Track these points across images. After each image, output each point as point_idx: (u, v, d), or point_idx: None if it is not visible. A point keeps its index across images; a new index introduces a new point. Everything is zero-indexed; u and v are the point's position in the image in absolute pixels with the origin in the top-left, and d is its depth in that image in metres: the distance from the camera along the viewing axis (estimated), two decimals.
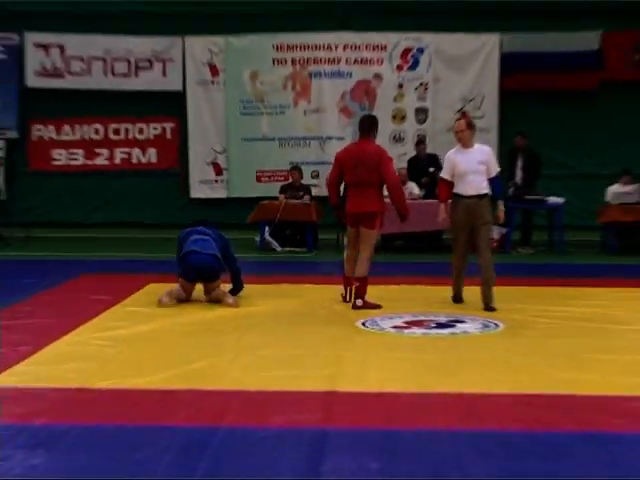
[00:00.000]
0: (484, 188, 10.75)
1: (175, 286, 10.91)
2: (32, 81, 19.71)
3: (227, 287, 11.19)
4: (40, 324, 9.51)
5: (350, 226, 11.12)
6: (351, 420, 6.37)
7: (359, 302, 10.61)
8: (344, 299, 11.02)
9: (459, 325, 9.79)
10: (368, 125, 11.04)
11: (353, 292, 10.76)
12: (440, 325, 9.78)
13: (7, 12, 19.27)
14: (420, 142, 18.13)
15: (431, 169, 16.97)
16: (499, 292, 11.76)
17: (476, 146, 10.91)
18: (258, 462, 5.53)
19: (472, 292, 11.52)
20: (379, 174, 10.67)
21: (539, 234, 17.26)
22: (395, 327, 9.66)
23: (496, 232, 16.57)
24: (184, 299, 10.83)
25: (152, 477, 5.26)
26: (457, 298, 11.14)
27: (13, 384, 7.27)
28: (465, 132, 10.78)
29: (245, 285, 11.28)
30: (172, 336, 9.21)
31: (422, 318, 10.03)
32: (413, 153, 18.36)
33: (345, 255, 11.25)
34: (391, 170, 10.85)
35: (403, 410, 6.70)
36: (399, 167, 17.60)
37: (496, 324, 9.83)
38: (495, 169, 10.90)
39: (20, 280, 12.16)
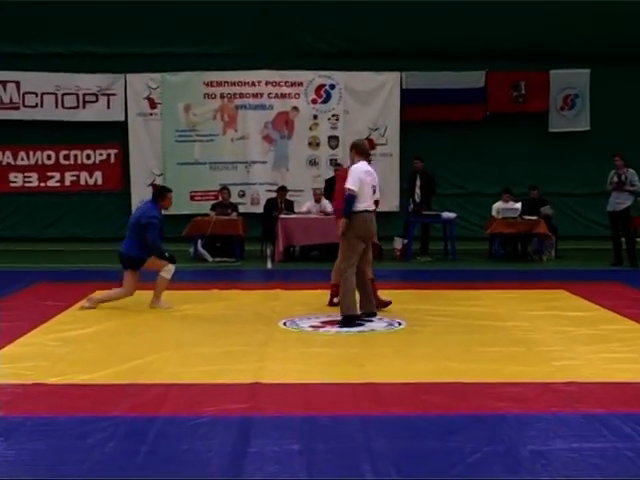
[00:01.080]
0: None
1: (96, 293, 11.12)
2: None
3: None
4: None
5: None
6: (274, 408, 6.36)
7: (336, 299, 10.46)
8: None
9: (367, 324, 9.82)
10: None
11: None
12: None
13: None
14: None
15: None
16: (402, 294, 11.88)
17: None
18: (192, 446, 5.50)
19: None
20: None
21: (435, 244, 17.41)
22: (312, 326, 9.67)
23: (398, 243, 16.73)
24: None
25: (101, 459, 5.22)
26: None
27: None
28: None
29: (181, 291, 11.19)
30: (117, 336, 9.12)
31: (335, 318, 10.05)
32: (327, 175, 18.41)
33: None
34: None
35: (319, 398, 6.71)
36: (314, 187, 17.73)
37: (399, 322, 9.89)
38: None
39: None
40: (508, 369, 7.60)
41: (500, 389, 6.90)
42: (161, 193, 11.25)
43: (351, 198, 9.60)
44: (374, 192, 9.86)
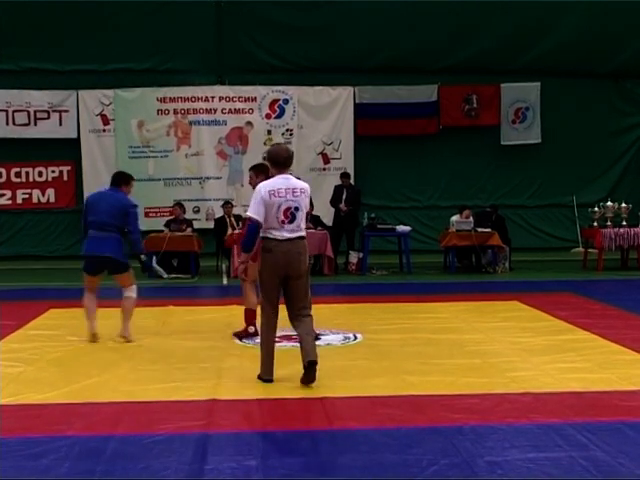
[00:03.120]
0: None
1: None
2: None
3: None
4: None
5: None
6: (230, 425, 6.33)
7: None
8: None
9: (323, 337, 9.81)
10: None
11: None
12: None
13: None
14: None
15: None
16: (358, 308, 11.91)
17: None
18: (148, 465, 5.45)
19: (332, 309, 11.62)
20: None
21: (391, 258, 17.47)
22: None
23: (353, 257, 16.78)
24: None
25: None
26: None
27: None
28: None
29: (136, 308, 11.04)
30: (71, 355, 9.01)
31: (291, 333, 10.00)
32: None
33: None
34: None
35: (276, 413, 6.69)
36: None
37: (355, 336, 9.89)
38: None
39: None
40: (464, 381, 7.63)
41: (456, 401, 6.93)
42: (127, 178, 9.97)
43: (251, 229, 7.58)
44: (292, 215, 7.51)
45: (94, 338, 9.62)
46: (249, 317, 9.87)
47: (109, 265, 9.56)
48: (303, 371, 7.48)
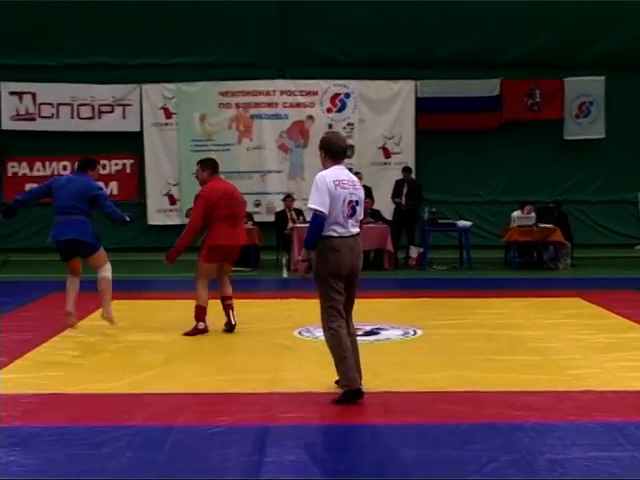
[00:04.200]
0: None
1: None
2: (8, 124, 19.49)
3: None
4: (16, 337, 9.36)
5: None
6: (289, 417, 6.36)
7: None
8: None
9: (383, 332, 9.81)
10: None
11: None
12: (366, 333, 9.78)
13: None
14: (357, 174, 18.14)
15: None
16: (418, 303, 11.88)
17: None
18: (208, 456, 5.51)
19: (392, 304, 11.61)
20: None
21: (451, 253, 17.39)
22: None
23: (414, 251, 16.74)
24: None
25: (117, 469, 5.24)
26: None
27: None
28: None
29: (193, 301, 11.07)
30: (132, 346, 9.13)
31: (359, 326, 10.03)
32: None
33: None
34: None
35: (335, 407, 6.70)
36: None
37: (414, 331, 9.87)
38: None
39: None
40: (524, 378, 7.58)
41: (516, 398, 6.88)
42: (93, 162, 9.99)
43: (316, 223, 6.80)
44: (354, 210, 6.94)
45: (69, 318, 9.75)
46: (199, 314, 9.81)
47: (77, 247, 9.58)
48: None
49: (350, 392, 6.74)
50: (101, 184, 19.45)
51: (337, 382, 7.03)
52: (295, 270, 14.60)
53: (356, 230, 6.97)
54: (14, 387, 7.29)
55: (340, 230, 6.83)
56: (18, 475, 5.18)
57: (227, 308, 9.94)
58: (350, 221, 6.88)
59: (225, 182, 10.27)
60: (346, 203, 6.84)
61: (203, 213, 9.72)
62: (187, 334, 9.67)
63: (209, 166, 10.05)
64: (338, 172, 6.95)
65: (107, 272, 9.80)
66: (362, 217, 7.11)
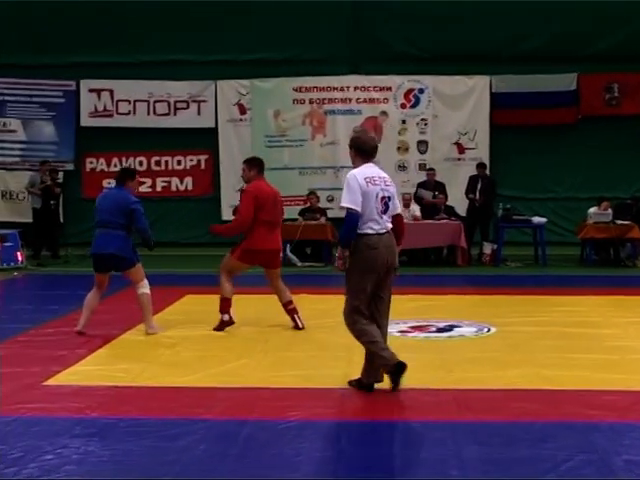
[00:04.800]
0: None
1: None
2: (86, 121, 19.81)
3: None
4: (91, 331, 9.51)
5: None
6: (363, 413, 6.38)
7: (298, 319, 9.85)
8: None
9: (456, 329, 9.77)
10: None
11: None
12: (439, 329, 9.76)
13: (66, 63, 19.43)
14: (430, 170, 18.13)
15: (436, 193, 17.07)
16: (492, 300, 11.79)
17: None
18: (281, 450, 5.54)
19: (465, 300, 11.54)
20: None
21: (526, 249, 17.20)
22: (400, 331, 9.64)
23: (488, 248, 16.60)
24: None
25: (192, 461, 5.30)
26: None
27: (72, 382, 7.32)
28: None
29: (269, 296, 11.09)
30: (207, 340, 9.22)
31: (424, 323, 10.02)
32: (416, 180, 18.37)
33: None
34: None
35: (408, 403, 6.70)
36: (403, 192, 17.71)
37: (488, 328, 9.79)
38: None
39: (76, 291, 12.15)
40: (601, 377, 7.47)
41: (593, 397, 6.79)
42: (132, 173, 10.14)
43: (352, 219, 6.88)
44: (387, 205, 7.05)
45: (79, 333, 9.48)
46: (224, 306, 9.73)
47: (114, 262, 9.50)
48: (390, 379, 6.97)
49: (393, 366, 6.85)
50: (176, 179, 19.99)
51: (350, 382, 7.07)
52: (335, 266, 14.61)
53: (390, 225, 7.06)
54: (91, 379, 7.44)
55: (376, 227, 6.93)
56: (96, 465, 5.28)
57: (291, 313, 9.85)
58: (384, 217, 6.99)
59: (270, 185, 10.00)
60: (379, 199, 6.94)
61: (254, 209, 9.53)
62: (216, 329, 9.64)
63: (256, 165, 9.86)
64: (369, 170, 7.06)
65: (145, 288, 9.68)
66: (399, 212, 7.25)
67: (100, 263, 9.56)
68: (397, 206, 7.22)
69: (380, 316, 7.12)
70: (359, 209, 6.84)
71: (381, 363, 6.93)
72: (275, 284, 9.89)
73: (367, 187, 6.90)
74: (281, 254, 10.03)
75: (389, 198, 7.04)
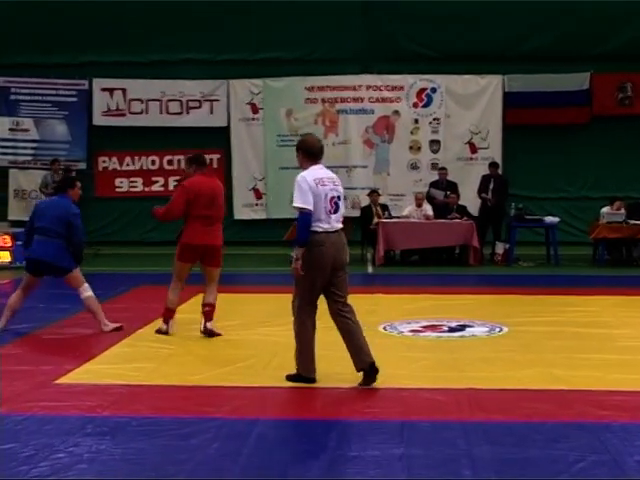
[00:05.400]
0: None
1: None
2: (98, 120, 19.86)
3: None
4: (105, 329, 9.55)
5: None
6: (374, 412, 6.36)
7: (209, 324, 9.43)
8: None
9: (468, 329, 9.75)
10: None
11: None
12: (451, 329, 9.75)
13: (79, 62, 19.51)
14: (441, 169, 18.11)
15: (447, 192, 17.04)
16: (504, 300, 11.75)
17: None
18: (293, 449, 5.54)
19: (477, 300, 11.52)
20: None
21: (538, 249, 17.17)
22: (412, 331, 9.64)
23: (500, 247, 16.57)
24: None
25: (203, 460, 5.30)
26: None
27: (83, 381, 7.34)
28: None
29: (279, 295, 11.02)
30: (219, 339, 9.22)
31: (436, 323, 10.01)
32: (428, 179, 18.36)
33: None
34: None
35: (419, 403, 6.69)
36: (415, 191, 17.71)
37: (500, 328, 9.78)
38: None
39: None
40: (613, 377, 7.45)
41: (605, 397, 6.77)
42: (71, 182, 10.03)
43: (305, 219, 7.09)
44: (336, 205, 7.26)
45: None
46: (166, 314, 9.56)
47: (51, 269, 9.54)
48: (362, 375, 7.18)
49: (304, 378, 7.22)
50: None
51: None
52: (379, 264, 14.60)
53: (339, 226, 7.31)
54: (103, 377, 7.45)
55: (324, 225, 7.16)
56: (107, 464, 5.29)
57: (206, 315, 9.43)
58: (333, 217, 7.23)
59: (213, 181, 9.82)
60: (328, 199, 7.18)
61: (184, 202, 9.38)
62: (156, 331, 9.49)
63: (194, 162, 9.71)
64: (317, 171, 7.28)
65: (87, 292, 9.65)
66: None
67: (36, 267, 9.59)
68: (344, 207, 7.45)
69: (342, 312, 7.36)
70: (311, 208, 7.07)
71: (299, 368, 7.28)
72: (210, 285, 9.51)
73: (317, 188, 7.13)
74: (222, 252, 9.64)
75: (338, 198, 7.28)
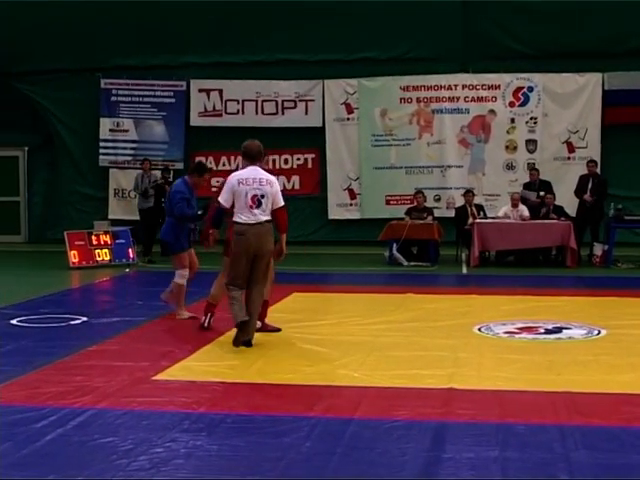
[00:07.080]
0: None
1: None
2: (195, 120, 20.17)
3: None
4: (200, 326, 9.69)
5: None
6: (469, 414, 6.30)
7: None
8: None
9: (565, 331, 9.59)
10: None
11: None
12: (548, 331, 9.61)
13: (177, 64, 19.85)
14: (533, 169, 17.86)
15: (541, 193, 16.79)
16: (603, 302, 11.52)
17: None
18: (386, 449, 5.52)
19: (575, 302, 11.33)
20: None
21: (638, 250, 16.80)
22: (507, 332, 9.52)
23: (598, 249, 16.26)
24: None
25: (297, 458, 5.33)
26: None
27: (180, 377, 7.45)
28: None
29: (375, 295, 11.05)
30: (312, 338, 9.22)
31: (532, 325, 9.87)
32: (524, 179, 18.11)
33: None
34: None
35: (515, 405, 6.61)
36: (512, 192, 17.49)
37: (599, 331, 9.58)
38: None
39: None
40: None
41: None
42: (201, 169, 10.69)
43: (218, 211, 8.86)
44: (259, 202, 8.51)
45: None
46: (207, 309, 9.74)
47: (161, 246, 10.29)
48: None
49: (238, 323, 8.58)
50: (282, 178, 20.09)
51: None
52: (475, 265, 14.50)
53: (264, 218, 8.60)
54: (199, 374, 7.56)
55: (244, 218, 8.58)
56: (204, 460, 5.35)
57: (208, 309, 9.72)
58: (256, 211, 8.58)
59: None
60: (249, 197, 8.57)
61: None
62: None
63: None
64: (247, 172, 8.73)
65: (178, 278, 10.29)
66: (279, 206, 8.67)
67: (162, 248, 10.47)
68: (278, 202, 8.68)
69: (250, 286, 8.71)
70: (226, 205, 8.68)
71: (232, 315, 8.68)
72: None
73: (238, 187, 8.60)
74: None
75: (262, 196, 8.58)
